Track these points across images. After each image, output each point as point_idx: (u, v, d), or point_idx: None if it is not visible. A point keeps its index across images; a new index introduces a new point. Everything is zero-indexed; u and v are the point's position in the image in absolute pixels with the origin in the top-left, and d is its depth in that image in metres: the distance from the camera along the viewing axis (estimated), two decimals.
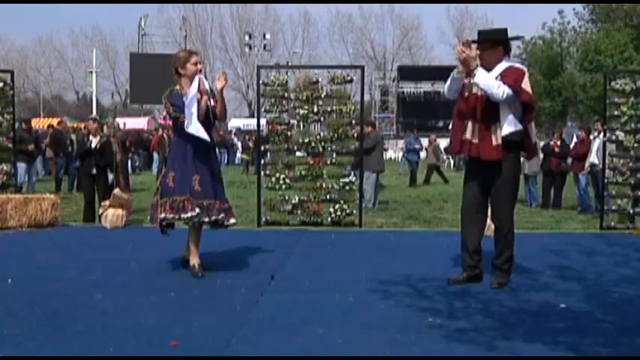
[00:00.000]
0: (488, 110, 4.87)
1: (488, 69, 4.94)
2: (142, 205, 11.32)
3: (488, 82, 4.78)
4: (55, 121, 19.97)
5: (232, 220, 5.56)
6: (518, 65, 5.22)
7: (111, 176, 10.56)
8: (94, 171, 8.88)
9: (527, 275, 5.44)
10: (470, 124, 4.94)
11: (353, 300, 4.58)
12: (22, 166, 11.69)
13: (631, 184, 8.59)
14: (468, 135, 4.94)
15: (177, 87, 5.37)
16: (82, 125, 12.01)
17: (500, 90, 4.74)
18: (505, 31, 5.24)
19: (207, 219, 5.29)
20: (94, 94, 44.26)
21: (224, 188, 5.65)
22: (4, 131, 9.06)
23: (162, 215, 5.27)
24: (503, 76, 4.82)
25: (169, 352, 3.46)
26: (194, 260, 5.37)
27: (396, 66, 52.84)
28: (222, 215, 5.37)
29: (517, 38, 5.63)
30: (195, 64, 5.36)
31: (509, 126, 4.90)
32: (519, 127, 4.94)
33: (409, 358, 3.43)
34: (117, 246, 6.93)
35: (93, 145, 8.90)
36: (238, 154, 27.25)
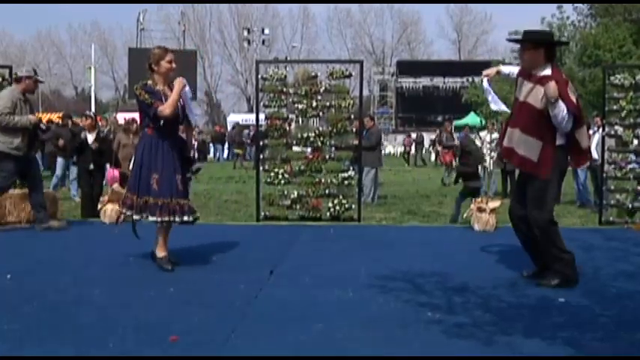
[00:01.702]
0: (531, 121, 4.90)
1: (529, 70, 4.95)
2: None
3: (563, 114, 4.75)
4: (54, 117, 19.94)
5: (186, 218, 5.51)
6: (560, 74, 5.02)
7: (111, 171, 10.62)
8: (92, 167, 8.89)
9: (525, 270, 5.44)
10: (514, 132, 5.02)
11: (352, 295, 4.58)
12: (60, 162, 11.88)
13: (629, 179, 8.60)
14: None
15: (150, 82, 5.49)
16: (79, 121, 11.95)
17: (567, 124, 4.80)
18: (550, 34, 5.19)
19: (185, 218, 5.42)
20: (93, 89, 44.23)
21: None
22: None
23: (159, 219, 5.32)
24: (543, 84, 4.75)
25: (169, 347, 3.46)
26: (163, 253, 5.50)
27: (395, 61, 52.89)
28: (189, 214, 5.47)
29: (564, 44, 5.67)
30: (170, 62, 5.49)
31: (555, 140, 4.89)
32: (561, 141, 4.91)
33: (409, 357, 3.43)
34: (116, 241, 6.93)
35: (89, 142, 8.90)
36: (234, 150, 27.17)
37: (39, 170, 7.95)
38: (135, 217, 5.36)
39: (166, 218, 5.30)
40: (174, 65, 5.53)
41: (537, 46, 4.91)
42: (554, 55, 5.08)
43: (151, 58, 5.48)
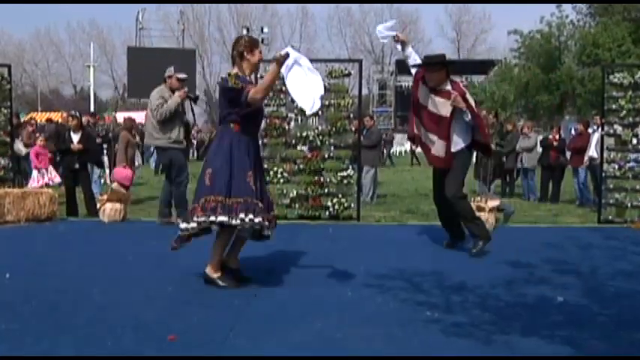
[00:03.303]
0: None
1: (436, 86, 6.09)
2: (141, 199, 11.33)
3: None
4: (54, 116, 19.92)
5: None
6: (460, 86, 6.34)
7: (98, 171, 10.65)
8: (77, 166, 8.92)
9: (524, 269, 5.46)
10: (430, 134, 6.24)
11: (351, 294, 4.59)
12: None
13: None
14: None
15: (237, 70, 4.81)
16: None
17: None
18: (445, 55, 6.67)
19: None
20: (92, 88, 44.19)
21: None
22: (1, 125, 9.05)
23: (259, 219, 4.63)
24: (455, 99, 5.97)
25: (167, 346, 3.46)
26: (237, 265, 4.99)
27: (394, 60, 52.79)
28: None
29: (453, 62, 6.79)
30: (261, 52, 5.01)
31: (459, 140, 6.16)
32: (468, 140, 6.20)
33: (408, 357, 3.43)
34: (115, 240, 6.93)
35: (75, 142, 8.91)
36: None
37: (186, 164, 8.18)
38: (220, 218, 4.58)
39: (266, 223, 4.73)
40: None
41: (443, 67, 6.16)
42: (450, 72, 6.29)
43: (244, 44, 4.86)
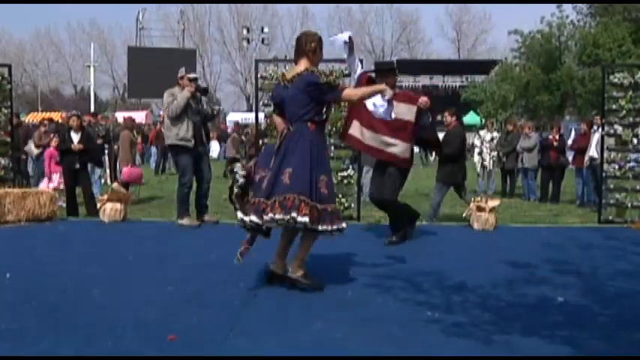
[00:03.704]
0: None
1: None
2: (141, 199, 11.33)
3: None
4: (55, 115, 19.90)
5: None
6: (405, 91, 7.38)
7: (98, 170, 10.65)
8: (77, 166, 8.92)
9: (524, 269, 5.45)
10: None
11: (351, 294, 4.59)
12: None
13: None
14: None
15: (309, 66, 4.74)
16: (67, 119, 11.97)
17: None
18: (394, 62, 7.39)
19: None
20: (92, 88, 44.21)
21: None
22: (1, 125, 9.06)
23: (336, 226, 4.62)
24: (412, 101, 6.54)
25: (168, 346, 3.46)
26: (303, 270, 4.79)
27: (395, 60, 52.80)
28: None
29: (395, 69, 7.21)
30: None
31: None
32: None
33: (408, 357, 3.43)
34: (115, 240, 6.93)
35: (75, 142, 8.92)
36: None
37: (207, 165, 8.22)
38: (321, 227, 4.53)
39: (335, 226, 4.64)
40: None
41: (394, 74, 6.82)
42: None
43: (317, 40, 4.79)
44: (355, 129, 6.75)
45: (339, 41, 6.05)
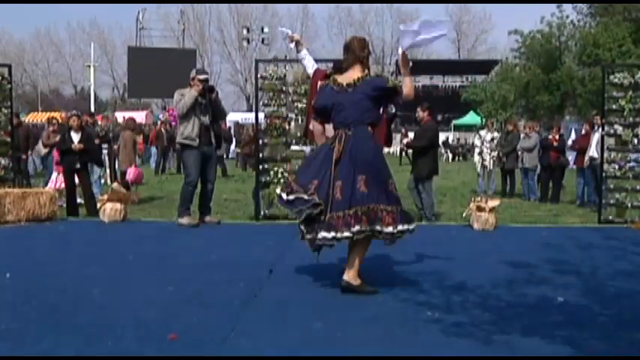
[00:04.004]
0: None
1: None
2: (141, 199, 11.33)
3: None
4: (55, 115, 19.88)
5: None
6: None
7: (98, 170, 10.65)
8: (78, 165, 8.93)
9: (524, 269, 5.45)
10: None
11: (351, 294, 4.58)
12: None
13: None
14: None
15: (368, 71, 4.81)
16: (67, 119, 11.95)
17: None
18: None
19: None
20: (92, 88, 44.21)
21: None
22: (1, 125, 9.06)
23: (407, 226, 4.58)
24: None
25: (167, 346, 3.46)
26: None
27: (395, 60, 52.76)
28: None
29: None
30: None
31: None
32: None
33: (408, 357, 3.43)
34: (115, 240, 6.94)
35: (76, 141, 8.92)
36: (232, 147, 26.97)
37: (214, 167, 8.21)
38: (402, 228, 4.52)
39: (406, 226, 4.60)
40: None
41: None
42: None
43: (367, 47, 4.90)
44: (318, 125, 6.79)
45: (282, 32, 6.43)
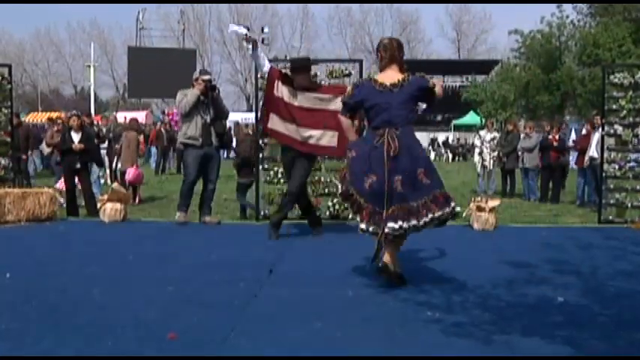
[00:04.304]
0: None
1: (304, 86, 6.83)
2: (141, 199, 11.33)
3: None
4: (55, 115, 19.89)
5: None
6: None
7: (98, 170, 10.65)
8: (78, 165, 8.94)
9: (524, 269, 5.45)
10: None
11: (351, 294, 4.58)
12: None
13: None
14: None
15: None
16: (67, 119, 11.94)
17: None
18: (309, 59, 7.65)
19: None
20: (92, 88, 44.21)
21: None
22: (2, 125, 9.06)
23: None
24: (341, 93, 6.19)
25: (168, 346, 3.46)
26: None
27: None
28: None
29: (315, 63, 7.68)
30: None
31: None
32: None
33: (408, 357, 3.43)
34: (115, 240, 6.93)
35: (76, 141, 8.93)
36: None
37: (216, 167, 8.23)
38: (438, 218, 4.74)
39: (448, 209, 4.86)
40: None
41: (309, 70, 7.08)
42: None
43: (403, 48, 5.05)
44: (277, 124, 6.96)
45: (237, 32, 6.69)
